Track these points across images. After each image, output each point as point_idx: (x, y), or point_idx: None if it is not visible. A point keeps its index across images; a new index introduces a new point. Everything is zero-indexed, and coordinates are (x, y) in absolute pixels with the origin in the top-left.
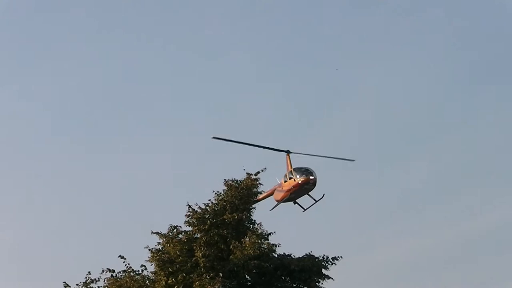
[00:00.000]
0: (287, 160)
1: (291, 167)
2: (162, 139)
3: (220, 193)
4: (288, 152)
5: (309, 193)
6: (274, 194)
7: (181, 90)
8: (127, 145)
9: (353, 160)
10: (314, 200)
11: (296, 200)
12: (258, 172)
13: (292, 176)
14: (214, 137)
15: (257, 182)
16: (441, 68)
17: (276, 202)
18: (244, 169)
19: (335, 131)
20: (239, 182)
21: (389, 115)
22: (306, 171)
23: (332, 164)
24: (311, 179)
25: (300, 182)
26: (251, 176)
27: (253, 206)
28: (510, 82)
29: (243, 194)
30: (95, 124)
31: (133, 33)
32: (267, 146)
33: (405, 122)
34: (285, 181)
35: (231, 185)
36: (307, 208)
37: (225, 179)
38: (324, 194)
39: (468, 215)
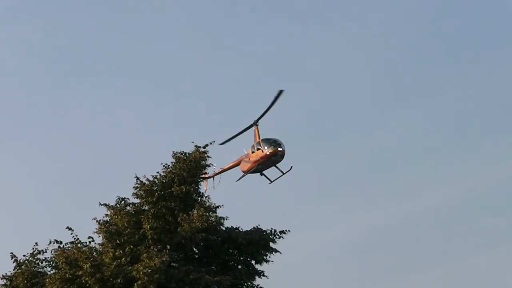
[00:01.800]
0: (255, 131)
1: (259, 138)
2: (118, 110)
3: (168, 165)
4: (255, 122)
5: (277, 165)
6: (240, 165)
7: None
8: (75, 115)
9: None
10: (282, 172)
11: (263, 172)
12: (207, 145)
13: (260, 147)
14: (221, 144)
15: (206, 155)
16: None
17: (243, 173)
18: (193, 142)
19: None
20: (187, 154)
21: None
22: (274, 143)
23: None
24: (280, 150)
25: (268, 153)
26: (199, 148)
27: (202, 177)
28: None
29: (191, 166)
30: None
31: None
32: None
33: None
34: (253, 152)
35: (179, 157)
36: (273, 180)
37: (173, 151)
38: (292, 167)
39: (410, 194)
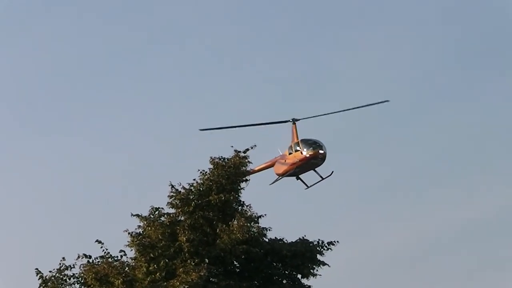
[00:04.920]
0: (293, 130)
1: (297, 138)
2: (144, 116)
3: (206, 172)
4: (293, 120)
5: (316, 168)
6: (275, 167)
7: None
8: (100, 121)
9: (387, 101)
10: (321, 177)
11: (299, 176)
12: (247, 149)
13: (298, 149)
14: (201, 129)
15: (246, 160)
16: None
17: (277, 176)
18: (232, 146)
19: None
20: (226, 160)
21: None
22: (314, 144)
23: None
24: (321, 153)
25: (308, 156)
26: (239, 153)
27: (244, 183)
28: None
29: (230, 173)
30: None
31: None
32: (266, 122)
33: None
34: (290, 153)
35: (217, 163)
36: (311, 186)
37: (211, 157)
38: (332, 172)
39: (472, 198)
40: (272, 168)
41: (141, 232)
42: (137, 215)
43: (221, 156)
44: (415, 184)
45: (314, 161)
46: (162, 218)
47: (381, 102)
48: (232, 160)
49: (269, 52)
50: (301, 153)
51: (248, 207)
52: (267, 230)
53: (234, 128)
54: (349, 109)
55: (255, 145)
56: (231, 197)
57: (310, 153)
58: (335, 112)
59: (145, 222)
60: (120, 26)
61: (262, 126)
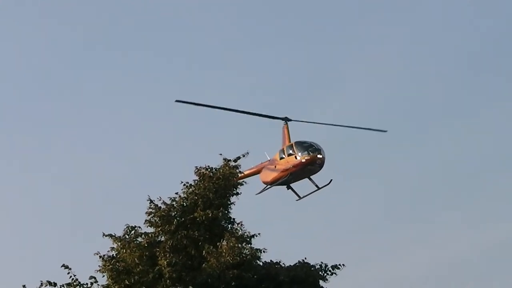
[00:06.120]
0: (284, 131)
1: (289, 141)
2: (117, 116)
3: (190, 184)
4: (286, 119)
5: (311, 176)
6: (262, 174)
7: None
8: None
9: (385, 131)
10: (317, 186)
11: (291, 185)
12: (239, 158)
13: (292, 152)
14: (177, 101)
15: (237, 170)
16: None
17: (265, 185)
18: (221, 154)
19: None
20: (214, 170)
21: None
22: (311, 147)
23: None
24: (319, 158)
25: (303, 161)
26: (229, 162)
27: (234, 196)
28: None
29: (219, 185)
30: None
31: None
32: (253, 112)
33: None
34: (281, 158)
35: (204, 174)
36: (304, 196)
37: (196, 167)
38: (331, 180)
39: (490, 222)
40: (258, 175)
41: (114, 255)
42: (110, 235)
43: (208, 166)
44: (427, 207)
45: (310, 167)
46: (139, 239)
47: (379, 130)
48: (221, 170)
49: (268, 51)
50: (295, 157)
51: (239, 225)
52: (261, 252)
53: (213, 109)
54: (347, 126)
55: (247, 153)
56: (220, 214)
57: (306, 157)
58: (332, 125)
59: (119, 244)
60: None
61: (248, 119)
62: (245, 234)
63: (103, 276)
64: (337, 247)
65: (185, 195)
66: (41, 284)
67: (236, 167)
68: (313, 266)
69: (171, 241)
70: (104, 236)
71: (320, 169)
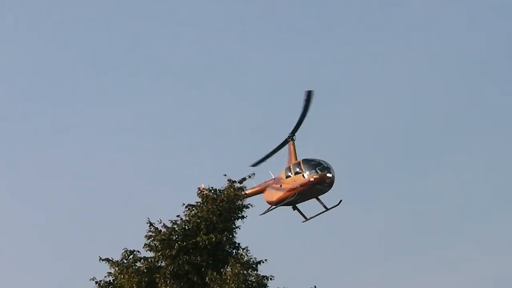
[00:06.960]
0: (290, 148)
1: (296, 158)
2: (120, 136)
3: (193, 206)
4: (291, 137)
5: (319, 196)
6: (266, 193)
7: None
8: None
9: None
10: (325, 207)
11: (297, 205)
12: (244, 179)
13: (299, 171)
14: (252, 165)
15: (243, 193)
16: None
17: (269, 205)
18: (225, 175)
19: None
20: (218, 192)
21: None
22: (320, 166)
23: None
24: (328, 177)
25: (312, 180)
26: (234, 183)
27: (239, 220)
28: None
29: (223, 208)
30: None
31: None
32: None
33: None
34: (288, 176)
35: (207, 195)
36: (311, 218)
37: (199, 188)
38: (341, 201)
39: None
40: (262, 194)
41: (111, 280)
42: (107, 260)
43: (212, 187)
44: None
45: (319, 187)
46: (138, 264)
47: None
48: (225, 192)
49: (267, 58)
50: (303, 176)
51: (244, 250)
52: (268, 279)
53: None
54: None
55: (253, 174)
56: (224, 238)
57: (314, 176)
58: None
59: (117, 269)
60: None
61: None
62: (251, 260)
63: None
64: (349, 272)
65: (187, 218)
66: None
67: (242, 188)
68: None
69: (172, 267)
70: (101, 261)
71: (330, 189)
